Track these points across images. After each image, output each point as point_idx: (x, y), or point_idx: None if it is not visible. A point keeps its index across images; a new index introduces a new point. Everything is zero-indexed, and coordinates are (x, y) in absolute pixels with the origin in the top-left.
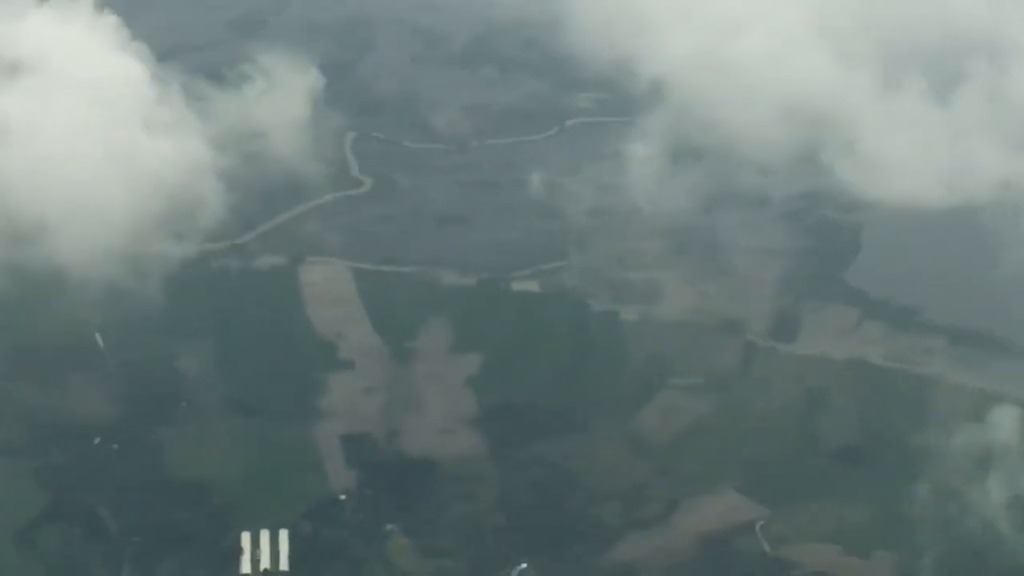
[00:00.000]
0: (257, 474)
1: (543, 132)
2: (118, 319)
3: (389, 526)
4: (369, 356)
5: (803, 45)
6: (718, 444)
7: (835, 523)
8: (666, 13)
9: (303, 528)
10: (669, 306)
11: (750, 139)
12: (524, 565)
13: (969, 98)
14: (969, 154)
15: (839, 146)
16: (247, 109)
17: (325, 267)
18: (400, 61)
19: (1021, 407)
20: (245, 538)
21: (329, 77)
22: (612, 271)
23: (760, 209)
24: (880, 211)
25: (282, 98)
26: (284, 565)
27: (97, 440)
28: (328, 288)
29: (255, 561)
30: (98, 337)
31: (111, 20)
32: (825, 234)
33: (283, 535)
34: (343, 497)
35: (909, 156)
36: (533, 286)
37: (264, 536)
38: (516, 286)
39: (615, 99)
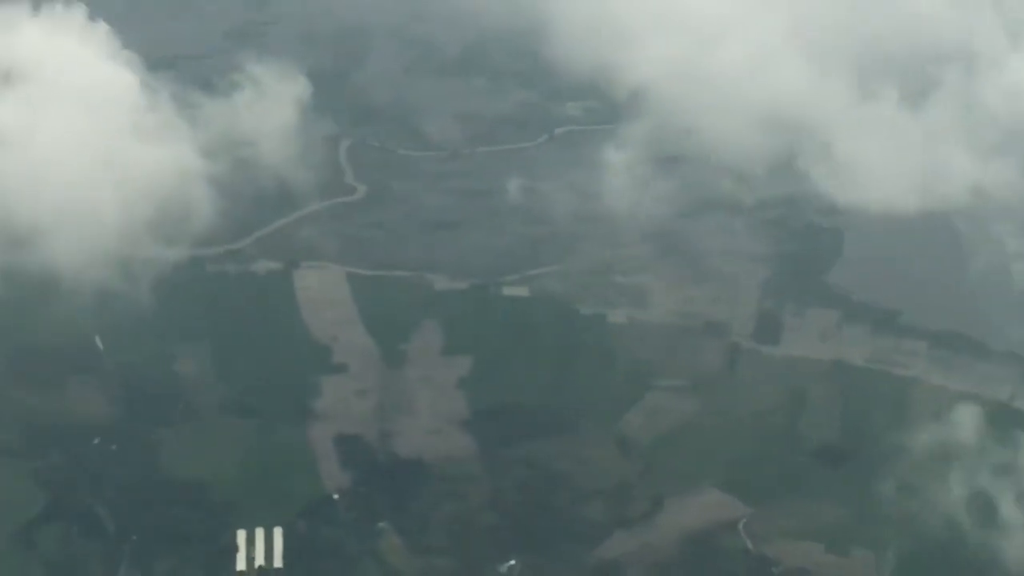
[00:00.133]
0: (252, 474)
1: (533, 140)
2: (116, 322)
3: (381, 524)
4: (362, 359)
5: (780, 54)
6: (702, 444)
7: (816, 521)
8: (647, 23)
9: (297, 526)
10: (655, 310)
11: (729, 146)
12: (513, 562)
13: (941, 105)
14: (941, 160)
15: (815, 153)
16: (243, 117)
17: (320, 272)
18: (394, 71)
19: (998, 408)
20: (240, 536)
21: (324, 86)
22: (599, 276)
23: (741, 214)
24: (857, 215)
25: (278, 106)
26: (278, 562)
27: (96, 441)
28: (323, 292)
29: (250, 559)
30: (98, 340)
31: (102, 30)
32: (806, 238)
33: (277, 533)
34: (336, 496)
35: (883, 162)
36: (523, 290)
37: (259, 534)
38: (506, 290)
39: (603, 107)
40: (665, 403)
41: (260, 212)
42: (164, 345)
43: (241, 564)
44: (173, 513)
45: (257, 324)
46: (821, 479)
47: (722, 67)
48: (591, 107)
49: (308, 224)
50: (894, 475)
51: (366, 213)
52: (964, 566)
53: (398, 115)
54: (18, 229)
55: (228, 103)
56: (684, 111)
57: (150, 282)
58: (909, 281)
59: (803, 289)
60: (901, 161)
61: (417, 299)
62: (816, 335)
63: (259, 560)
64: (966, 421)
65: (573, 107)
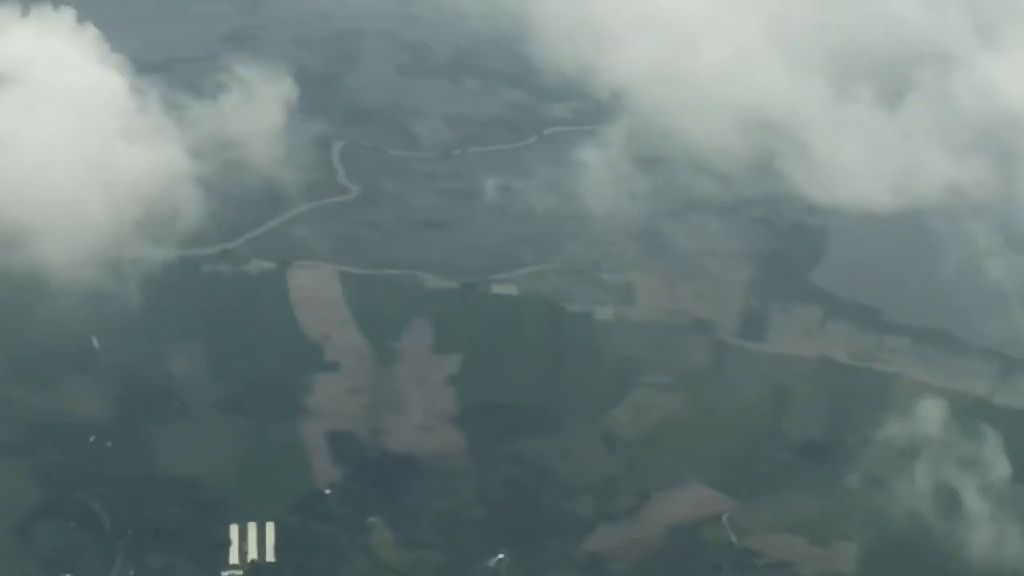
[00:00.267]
0: (246, 470)
1: (523, 141)
2: (110, 322)
3: (372, 519)
4: (354, 357)
5: (757, 55)
6: (688, 440)
7: (799, 515)
8: (631, 24)
9: (289, 521)
10: (642, 307)
11: (708, 146)
12: (501, 556)
13: (917, 105)
14: (918, 159)
15: (793, 153)
16: (236, 120)
17: (313, 271)
18: (386, 72)
19: (978, 404)
20: (233, 531)
21: (317, 88)
22: (587, 274)
23: (725, 213)
24: (836, 214)
25: (271, 108)
26: (271, 556)
27: (92, 439)
28: (315, 291)
29: (243, 553)
30: (94, 340)
31: (91, 33)
32: (790, 237)
33: (270, 528)
34: (328, 492)
35: (860, 162)
36: (512, 289)
37: (252, 529)
38: (496, 289)
39: (592, 108)
40: (651, 399)
41: (254, 212)
42: (159, 344)
43: (234, 558)
44: (167, 509)
45: (250, 323)
46: (805, 473)
47: (700, 68)
48: (580, 108)
49: (301, 224)
50: (876, 470)
51: (359, 213)
52: (944, 558)
53: (390, 116)
54: (8, 230)
55: (221, 106)
56: (666, 112)
57: (144, 282)
58: (890, 279)
59: (787, 287)
60: (878, 160)
61: (408, 297)
62: (800, 332)
63: (252, 554)
64: (947, 417)
65: (563, 108)
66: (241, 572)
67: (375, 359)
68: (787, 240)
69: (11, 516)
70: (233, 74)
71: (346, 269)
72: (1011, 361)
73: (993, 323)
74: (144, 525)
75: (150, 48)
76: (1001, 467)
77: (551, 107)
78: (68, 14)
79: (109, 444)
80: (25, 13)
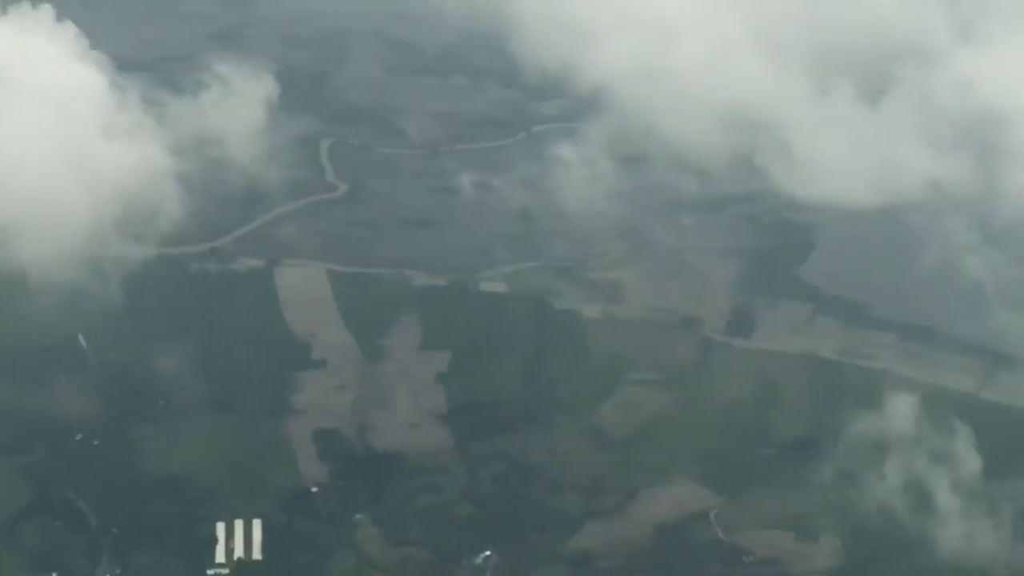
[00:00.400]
0: (232, 468)
1: (511, 138)
2: (96, 320)
3: (359, 516)
4: (341, 355)
5: (739, 53)
6: (675, 436)
7: (786, 511)
8: (612, 23)
9: (276, 519)
10: (629, 305)
11: (692, 144)
12: (488, 553)
13: (897, 102)
14: (899, 156)
15: (775, 149)
16: (225, 119)
17: (301, 269)
18: (374, 71)
19: (965, 399)
20: (220, 528)
21: (305, 86)
22: (574, 272)
23: (710, 211)
24: (819, 211)
25: (258, 107)
26: (257, 554)
27: (78, 437)
28: (303, 289)
29: (229, 550)
30: (81, 338)
31: (70, 31)
32: (776, 234)
33: (256, 525)
34: (315, 489)
35: (842, 158)
36: (499, 286)
37: (238, 526)
38: (483, 286)
39: (577, 106)
40: (639, 396)
41: (241, 210)
42: (145, 342)
43: (221, 556)
44: (154, 506)
45: (238, 321)
46: (792, 470)
47: (684, 66)
48: (568, 105)
49: (289, 222)
50: (863, 465)
51: (346, 211)
52: (929, 551)
53: (378, 114)
54: None
55: (203, 104)
56: (650, 110)
57: (125, 280)
58: (874, 275)
59: (773, 284)
60: (859, 157)
61: (396, 295)
62: (787, 329)
63: (238, 552)
64: (934, 412)
65: (551, 106)
66: (228, 570)
67: (362, 357)
68: (772, 237)
69: None
70: (217, 72)
71: (334, 267)
72: (997, 356)
73: (976, 319)
74: (130, 523)
75: (136, 47)
76: (984, 462)
77: (538, 105)
78: (47, 12)
79: (95, 442)
80: (3, 11)
